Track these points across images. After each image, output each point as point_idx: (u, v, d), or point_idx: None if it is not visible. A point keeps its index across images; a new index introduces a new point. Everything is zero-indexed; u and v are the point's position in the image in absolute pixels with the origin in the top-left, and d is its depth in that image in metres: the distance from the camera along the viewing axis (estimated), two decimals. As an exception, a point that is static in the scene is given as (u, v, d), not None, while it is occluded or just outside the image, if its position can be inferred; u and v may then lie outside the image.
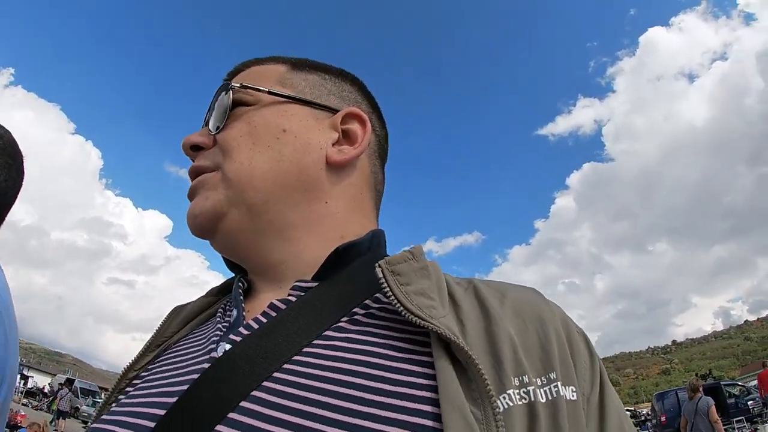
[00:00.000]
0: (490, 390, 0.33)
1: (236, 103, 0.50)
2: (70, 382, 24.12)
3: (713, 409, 6.07)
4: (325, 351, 0.38)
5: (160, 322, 0.51)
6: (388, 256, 0.43)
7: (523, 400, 0.35)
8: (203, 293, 0.55)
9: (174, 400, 0.37)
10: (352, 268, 0.45)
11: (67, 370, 60.04)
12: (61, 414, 15.99)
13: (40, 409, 26.48)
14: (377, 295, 0.43)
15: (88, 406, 24.98)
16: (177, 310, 0.52)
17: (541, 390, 0.36)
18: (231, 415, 0.34)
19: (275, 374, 0.36)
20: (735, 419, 12.30)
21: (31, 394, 34.66)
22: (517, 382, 0.35)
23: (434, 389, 0.33)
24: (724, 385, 14.91)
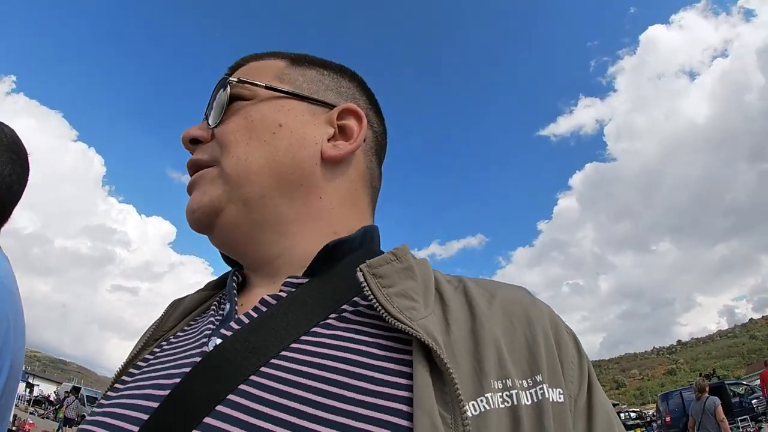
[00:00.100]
0: (459, 395, 0.33)
1: (234, 98, 0.51)
2: (76, 390, 24.13)
3: (720, 408, 6.13)
4: (311, 347, 0.38)
5: (159, 316, 0.52)
6: (383, 252, 0.43)
7: (506, 403, 0.35)
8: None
9: (167, 393, 0.37)
10: (344, 264, 0.45)
11: (72, 378, 60.05)
12: (67, 422, 16.11)
13: (47, 417, 26.56)
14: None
15: (94, 413, 24.81)
16: (175, 304, 0.53)
17: (526, 392, 0.36)
18: (219, 408, 0.35)
19: (262, 369, 0.37)
20: (739, 418, 12.23)
21: (37, 402, 34.72)
22: (499, 385, 0.36)
23: (412, 390, 0.34)
24: (729, 384, 14.88)
